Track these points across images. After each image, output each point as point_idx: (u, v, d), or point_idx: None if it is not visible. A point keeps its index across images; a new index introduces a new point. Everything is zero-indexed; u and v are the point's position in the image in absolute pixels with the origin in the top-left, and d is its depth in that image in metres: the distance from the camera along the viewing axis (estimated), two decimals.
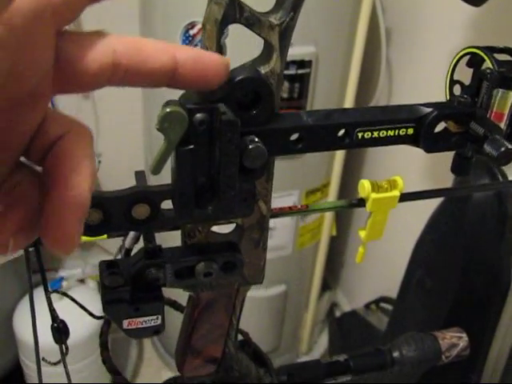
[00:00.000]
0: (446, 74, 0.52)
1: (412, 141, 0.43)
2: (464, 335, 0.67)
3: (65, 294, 0.48)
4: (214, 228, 0.45)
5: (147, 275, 0.41)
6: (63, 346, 0.48)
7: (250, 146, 0.36)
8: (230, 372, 0.56)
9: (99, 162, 1.84)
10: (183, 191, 0.36)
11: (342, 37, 1.40)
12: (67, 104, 1.71)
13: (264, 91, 0.36)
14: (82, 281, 1.72)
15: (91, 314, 0.48)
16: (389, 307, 1.52)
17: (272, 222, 0.49)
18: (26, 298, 1.60)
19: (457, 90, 0.51)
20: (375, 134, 0.41)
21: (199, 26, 1.28)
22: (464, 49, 0.50)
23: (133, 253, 0.48)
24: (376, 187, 0.50)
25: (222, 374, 0.56)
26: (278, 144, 0.38)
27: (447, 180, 1.05)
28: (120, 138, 1.84)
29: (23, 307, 1.58)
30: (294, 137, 0.39)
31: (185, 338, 0.53)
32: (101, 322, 1.61)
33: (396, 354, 0.64)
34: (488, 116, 0.47)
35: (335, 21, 1.37)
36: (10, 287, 1.64)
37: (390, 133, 0.41)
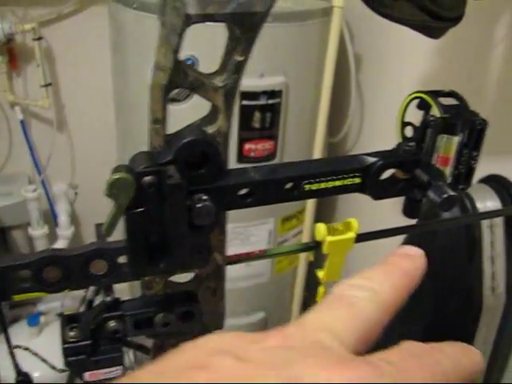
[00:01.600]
0: (397, 116, 0.55)
1: (359, 189, 0.44)
2: None
3: (27, 349, 0.48)
4: (173, 278, 0.46)
5: (107, 328, 0.42)
6: None
7: (198, 205, 0.37)
8: None
9: (76, 193, 1.85)
10: (135, 250, 0.37)
11: (311, 66, 1.42)
12: (42, 136, 1.72)
13: (211, 151, 0.38)
14: (60, 315, 1.72)
15: (53, 367, 0.48)
16: None
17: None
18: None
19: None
20: (322, 186, 0.42)
21: None
22: (412, 93, 0.53)
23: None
24: (331, 230, 0.52)
25: None
26: (227, 200, 0.40)
27: None
28: (96, 170, 1.84)
29: None
30: (243, 191, 0.41)
31: None
32: None
33: None
34: (435, 160, 0.49)
35: (304, 50, 1.40)
36: None
37: (337, 183, 0.43)
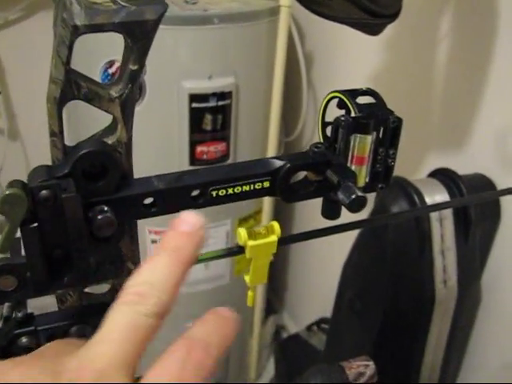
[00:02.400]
0: (317, 116, 0.55)
1: (270, 193, 0.44)
2: (371, 363, 0.69)
3: None
4: (89, 289, 0.46)
5: (19, 344, 0.42)
6: None
7: (99, 217, 0.37)
8: None
9: None
10: (35, 266, 0.37)
11: (261, 66, 1.42)
12: None
13: (109, 162, 0.37)
14: None
15: None
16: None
17: None
18: None
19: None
20: (230, 191, 0.42)
21: (117, 64, 1.29)
22: (330, 93, 0.53)
23: None
24: (253, 234, 0.51)
25: None
26: (131, 210, 0.39)
27: None
28: None
29: None
30: (148, 201, 0.40)
31: None
32: None
33: None
34: (350, 160, 0.49)
35: (253, 50, 1.40)
36: None
37: (246, 188, 0.43)
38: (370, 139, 0.48)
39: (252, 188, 0.43)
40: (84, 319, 0.43)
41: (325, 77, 1.62)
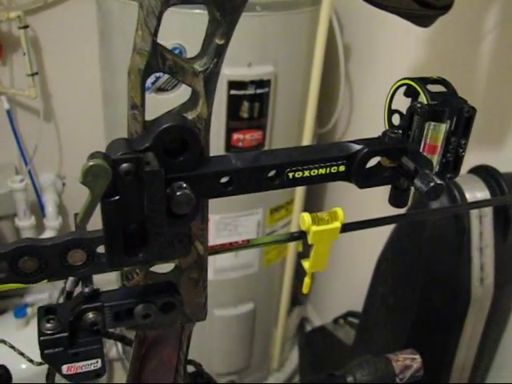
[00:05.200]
0: (384, 103, 0.54)
1: (344, 177, 0.43)
2: (417, 357, 0.68)
3: (3, 342, 0.47)
4: (154, 268, 0.45)
5: (85, 320, 0.41)
6: None
7: (178, 193, 0.36)
8: None
9: (63, 184, 1.83)
10: (112, 240, 0.36)
11: (300, 55, 1.41)
12: (28, 126, 1.70)
13: (190, 138, 0.37)
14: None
15: (30, 360, 0.47)
16: (356, 321, 1.53)
17: None
18: None
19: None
20: (306, 173, 0.41)
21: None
22: (399, 80, 0.51)
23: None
24: (316, 220, 0.51)
25: None
26: (208, 188, 0.39)
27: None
28: (83, 160, 1.82)
29: None
30: (224, 180, 0.39)
31: (134, 374, 0.53)
32: None
33: (350, 379, 0.65)
34: (422, 148, 0.48)
35: (293, 39, 1.38)
36: None
37: (322, 171, 0.42)
38: (444, 128, 0.47)
39: (328, 171, 0.42)
40: (149, 298, 0.43)
41: (362, 68, 1.60)
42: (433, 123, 0.47)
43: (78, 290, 0.50)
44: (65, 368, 0.42)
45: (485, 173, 1.10)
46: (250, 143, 1.39)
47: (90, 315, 0.41)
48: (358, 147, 0.43)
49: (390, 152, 0.44)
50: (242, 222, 1.48)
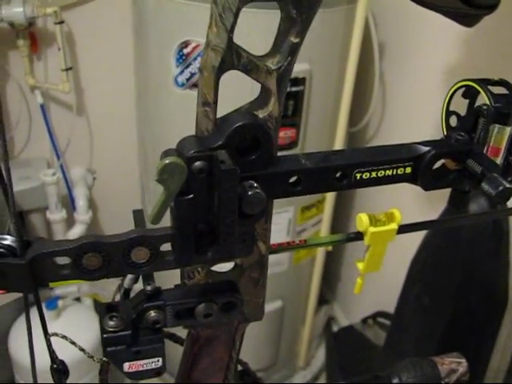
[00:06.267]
0: (442, 105, 0.53)
1: (410, 179, 0.43)
2: (463, 360, 0.67)
3: (64, 337, 0.47)
4: (214, 267, 0.45)
5: (148, 318, 0.41)
6: None
7: (249, 193, 0.36)
8: None
9: (94, 178, 1.84)
10: (182, 239, 0.36)
11: (335, 53, 1.40)
12: (61, 120, 1.71)
13: (263, 137, 0.36)
14: (77, 299, 1.72)
15: (91, 357, 0.47)
16: (386, 322, 1.52)
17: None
18: (22, 318, 1.59)
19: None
20: (373, 175, 0.41)
21: (193, 44, 1.29)
22: (459, 81, 0.51)
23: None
24: (374, 220, 0.50)
25: None
26: (277, 187, 0.38)
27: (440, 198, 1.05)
28: (114, 155, 1.84)
29: (19, 327, 1.57)
30: (293, 179, 0.39)
31: (184, 372, 0.53)
32: (96, 341, 1.58)
33: (395, 381, 0.64)
34: (485, 151, 0.47)
35: (329, 37, 1.37)
36: (5, 306, 1.63)
37: (388, 172, 0.41)
38: (508, 130, 0.46)
39: (394, 173, 0.41)
40: (210, 297, 0.42)
41: (397, 68, 1.59)
42: (497, 126, 0.46)
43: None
44: (126, 366, 0.41)
45: None
46: (284, 141, 1.38)
47: (153, 313, 0.41)
48: (425, 149, 0.42)
49: (457, 154, 0.43)
50: (274, 220, 1.48)
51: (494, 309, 1.07)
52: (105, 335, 0.40)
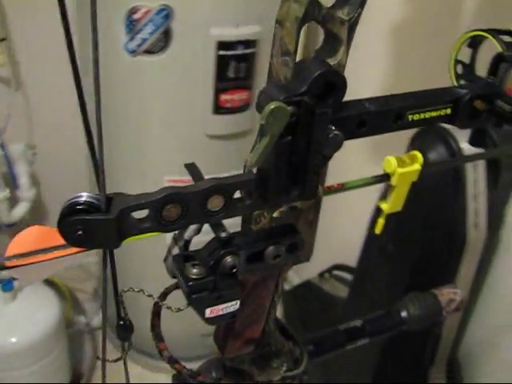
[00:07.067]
0: (451, 56, 0.57)
1: (449, 120, 0.47)
2: (458, 290, 0.73)
3: (132, 289, 0.48)
4: None
5: (224, 263, 0.43)
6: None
7: (330, 135, 0.38)
8: (267, 348, 0.59)
9: (34, 154, 1.79)
10: (277, 180, 0.38)
11: None
12: None
13: (339, 82, 0.39)
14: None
15: (169, 307, 0.49)
16: (343, 274, 1.59)
17: None
18: None
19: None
20: (422, 116, 0.45)
21: (143, 10, 1.27)
22: (470, 31, 0.55)
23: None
24: (400, 162, 0.54)
25: (260, 350, 0.59)
26: (347, 130, 0.41)
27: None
28: (54, 130, 1.79)
29: None
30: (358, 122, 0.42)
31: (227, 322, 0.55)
32: (55, 319, 1.56)
33: (404, 314, 0.70)
34: None
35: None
36: None
37: (433, 114, 0.45)
38: None
39: (438, 114, 0.45)
40: (277, 239, 0.45)
41: None
42: None
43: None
44: (208, 311, 0.44)
45: None
46: (238, 103, 1.40)
47: (229, 259, 0.43)
48: (463, 91, 0.46)
49: (488, 96, 0.48)
50: None
51: (454, 249, 1.15)
52: (190, 283, 0.42)
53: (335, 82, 0.39)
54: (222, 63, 1.33)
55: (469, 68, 0.56)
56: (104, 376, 0.50)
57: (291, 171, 0.39)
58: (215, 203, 0.41)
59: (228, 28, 1.30)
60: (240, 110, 1.41)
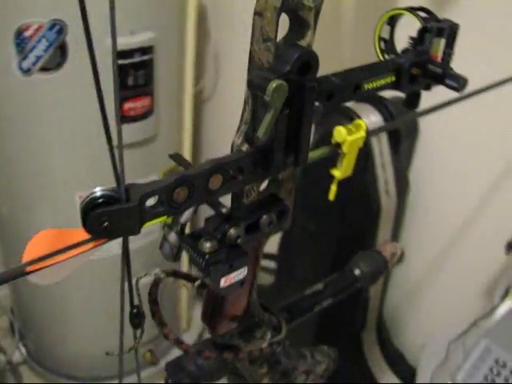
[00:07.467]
0: (374, 33, 0.65)
1: (394, 86, 0.54)
2: (398, 244, 0.82)
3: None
4: None
5: (230, 235, 0.48)
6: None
7: (314, 107, 0.44)
8: (252, 319, 0.64)
9: None
10: (280, 149, 0.44)
11: (175, 18, 1.47)
12: None
13: (314, 61, 0.45)
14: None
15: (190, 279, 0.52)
16: (265, 263, 1.65)
17: None
18: None
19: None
20: (374, 84, 0.52)
21: (34, 26, 1.26)
22: (390, 10, 0.63)
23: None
24: (348, 131, 0.61)
25: (246, 323, 0.64)
26: (321, 102, 0.47)
27: None
28: None
29: None
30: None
31: (215, 301, 0.60)
32: None
33: (357, 272, 0.77)
34: None
35: (169, 3, 1.44)
36: None
37: (382, 81, 0.53)
38: (443, 41, 0.60)
39: (385, 82, 0.53)
40: (268, 209, 0.50)
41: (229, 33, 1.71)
42: (436, 38, 0.59)
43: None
44: (223, 281, 0.48)
45: (374, 100, 1.27)
46: (141, 110, 1.43)
47: (232, 231, 0.48)
48: (402, 61, 0.54)
49: (422, 62, 0.56)
50: None
51: (371, 218, 1.25)
52: (206, 257, 0.47)
53: (310, 61, 0.45)
54: (121, 72, 1.34)
55: (390, 43, 0.64)
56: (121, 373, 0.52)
57: (287, 141, 0.45)
58: (215, 182, 0.46)
59: (123, 37, 1.32)
60: (143, 118, 1.44)
